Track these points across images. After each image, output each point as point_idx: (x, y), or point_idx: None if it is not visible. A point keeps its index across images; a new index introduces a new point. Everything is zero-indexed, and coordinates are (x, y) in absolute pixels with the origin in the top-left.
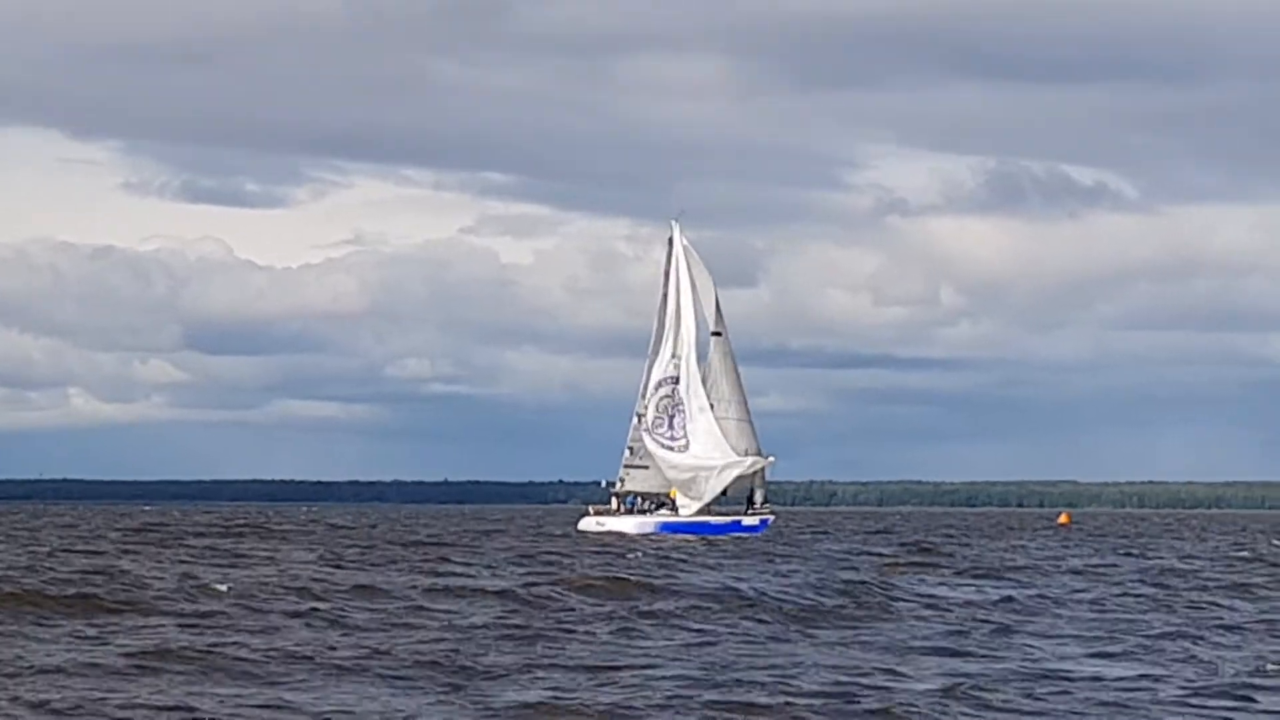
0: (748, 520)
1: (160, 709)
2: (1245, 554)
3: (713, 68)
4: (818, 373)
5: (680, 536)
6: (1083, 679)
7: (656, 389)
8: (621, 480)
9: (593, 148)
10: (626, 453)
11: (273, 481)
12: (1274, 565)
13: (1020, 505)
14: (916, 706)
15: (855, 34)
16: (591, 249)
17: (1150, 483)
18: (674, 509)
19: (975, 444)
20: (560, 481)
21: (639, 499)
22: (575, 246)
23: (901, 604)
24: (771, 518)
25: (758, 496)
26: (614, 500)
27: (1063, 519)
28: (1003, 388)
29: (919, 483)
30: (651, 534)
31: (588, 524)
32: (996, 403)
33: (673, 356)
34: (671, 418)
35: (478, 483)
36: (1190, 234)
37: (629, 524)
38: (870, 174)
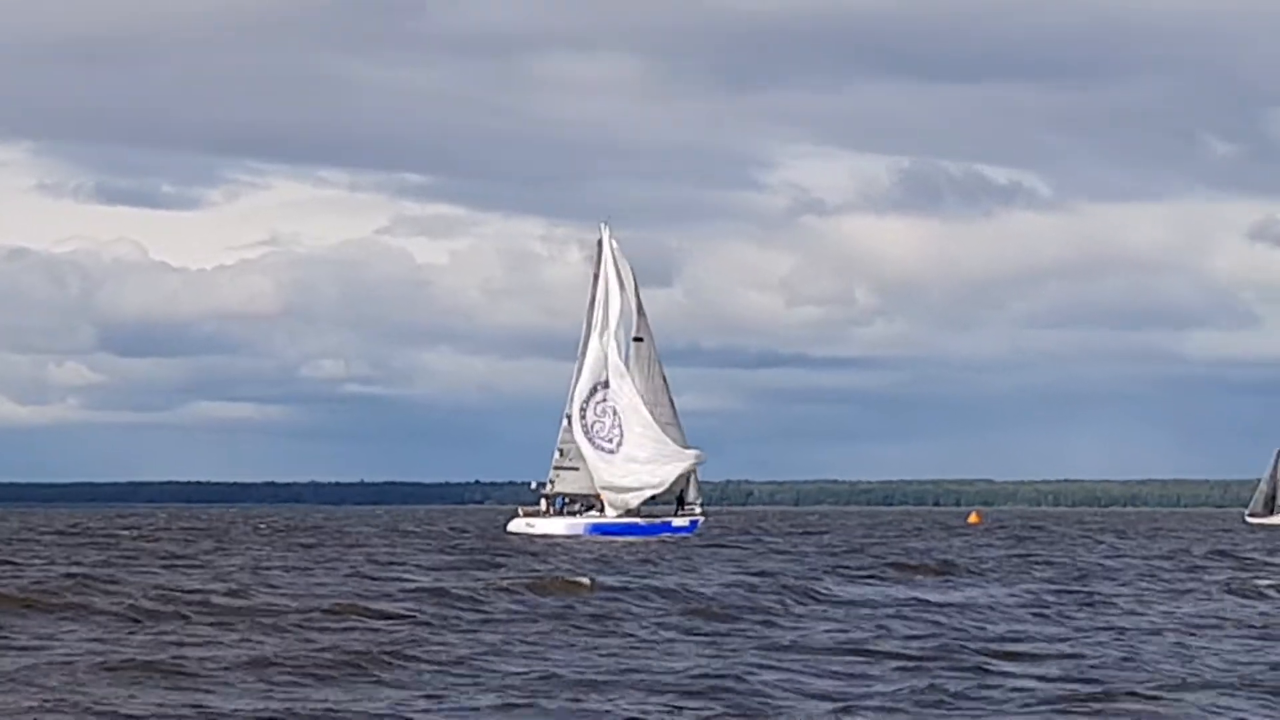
0: (677, 521)
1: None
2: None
3: (628, 67)
4: (733, 372)
5: (610, 538)
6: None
7: (591, 393)
8: (551, 482)
9: (508, 148)
10: (556, 454)
11: (189, 483)
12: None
13: (936, 504)
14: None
15: (771, 34)
16: (507, 249)
17: (1065, 481)
18: (604, 510)
19: (891, 443)
20: (477, 482)
21: (568, 500)
22: (491, 247)
23: (817, 605)
24: (701, 519)
25: (690, 494)
26: (543, 502)
27: (973, 518)
28: (918, 386)
29: (835, 482)
30: (581, 535)
31: (517, 525)
32: (912, 402)
33: (604, 359)
34: (607, 421)
35: (394, 483)
36: (1103, 232)
37: (559, 526)
38: (786, 174)
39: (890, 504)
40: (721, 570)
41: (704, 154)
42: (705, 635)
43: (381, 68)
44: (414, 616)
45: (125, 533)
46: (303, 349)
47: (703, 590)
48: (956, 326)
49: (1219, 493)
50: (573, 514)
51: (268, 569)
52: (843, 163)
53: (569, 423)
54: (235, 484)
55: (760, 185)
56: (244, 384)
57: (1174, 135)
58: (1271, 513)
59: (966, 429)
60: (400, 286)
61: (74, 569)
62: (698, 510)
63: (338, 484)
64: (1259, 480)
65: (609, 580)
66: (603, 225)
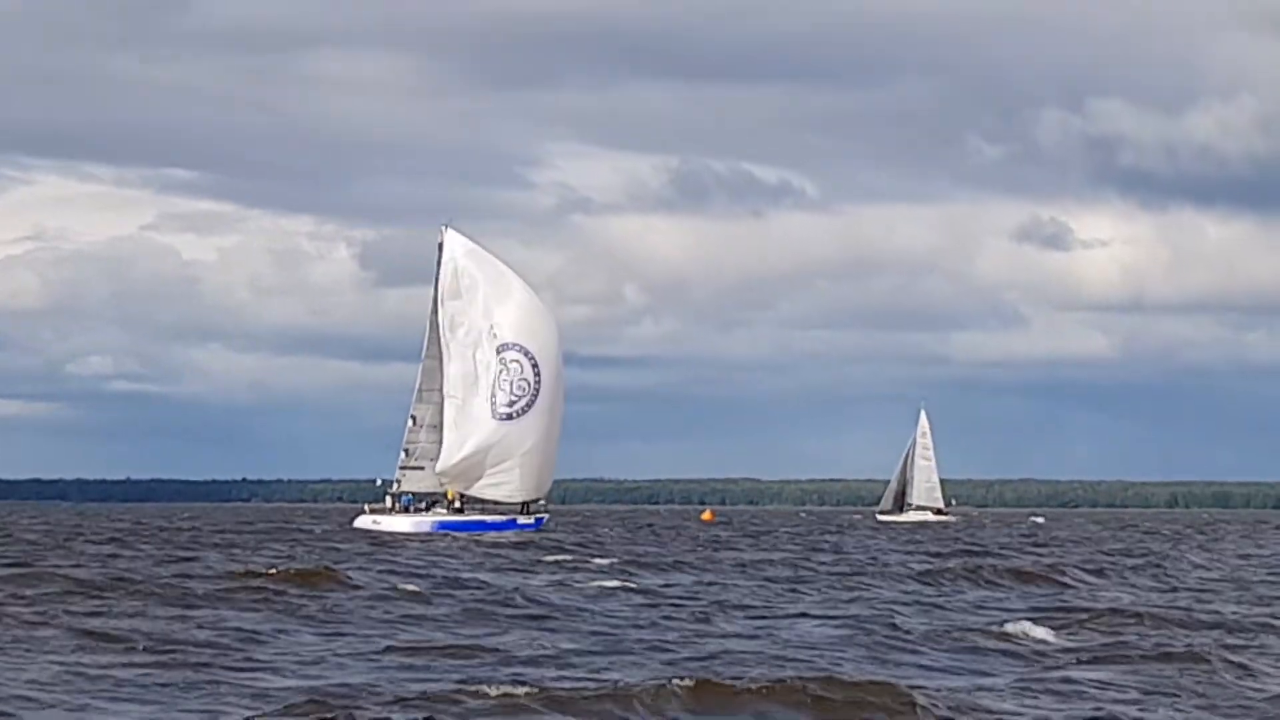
0: (523, 519)
1: None
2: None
3: (395, 65)
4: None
5: (456, 534)
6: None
7: (443, 396)
8: (398, 481)
9: (274, 145)
10: (403, 455)
11: None
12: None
13: (702, 503)
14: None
15: (536, 33)
16: (274, 247)
17: (832, 480)
18: (449, 508)
19: (659, 442)
20: (244, 480)
21: (414, 498)
22: (258, 244)
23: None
24: (546, 516)
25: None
26: (389, 499)
27: (706, 516)
28: (686, 387)
29: (601, 480)
30: (428, 533)
31: (363, 523)
32: (680, 401)
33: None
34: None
35: (160, 480)
36: (870, 233)
37: (405, 523)
38: (553, 173)
39: (655, 502)
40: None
41: (471, 152)
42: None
43: (148, 64)
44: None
45: None
46: (69, 345)
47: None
48: (725, 326)
49: (982, 492)
50: (419, 511)
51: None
52: (610, 162)
53: (413, 423)
54: None
55: (527, 184)
56: (9, 381)
57: (940, 137)
58: (902, 509)
59: (734, 428)
60: (168, 284)
61: None
62: (543, 507)
63: (103, 481)
64: (1019, 480)
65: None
66: (444, 227)
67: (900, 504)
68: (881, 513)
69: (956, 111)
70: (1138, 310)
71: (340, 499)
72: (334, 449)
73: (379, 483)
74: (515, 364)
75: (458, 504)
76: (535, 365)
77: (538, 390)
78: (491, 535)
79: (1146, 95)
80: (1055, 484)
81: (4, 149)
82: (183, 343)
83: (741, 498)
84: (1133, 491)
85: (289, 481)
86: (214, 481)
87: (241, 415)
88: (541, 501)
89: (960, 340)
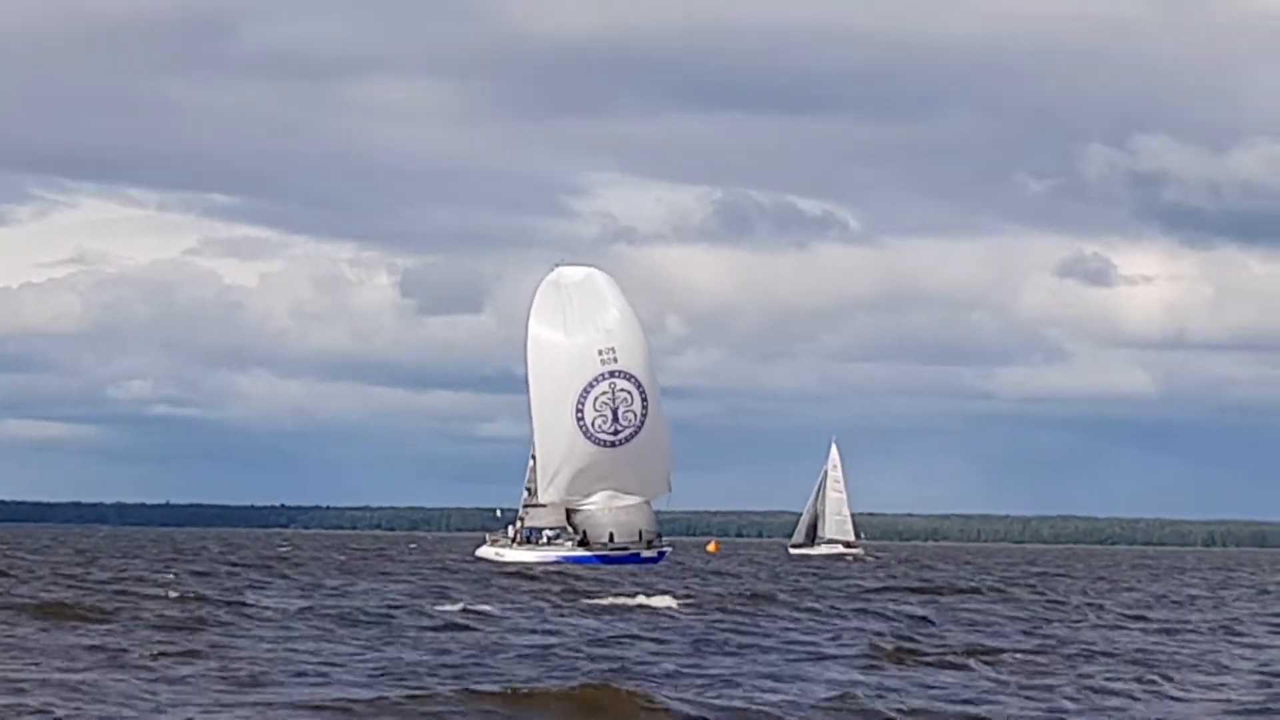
0: (646, 552)
1: None
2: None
3: (438, 92)
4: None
5: (584, 567)
6: None
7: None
8: (521, 519)
9: (317, 171)
10: (525, 493)
11: None
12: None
13: (740, 535)
14: None
15: (580, 62)
16: (316, 273)
17: (868, 514)
18: (577, 541)
19: (699, 473)
20: (282, 505)
21: (536, 531)
22: (300, 270)
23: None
24: (669, 549)
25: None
26: (510, 530)
27: (711, 547)
28: (728, 418)
29: None
30: (553, 563)
31: (485, 552)
32: (721, 432)
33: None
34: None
35: (199, 505)
36: (913, 266)
37: (529, 555)
38: (596, 202)
39: (694, 534)
40: None
41: (514, 180)
42: None
43: (192, 88)
44: None
45: None
46: (111, 369)
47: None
48: (767, 358)
49: (1019, 528)
50: (542, 543)
51: None
52: (654, 192)
53: (535, 461)
54: (39, 504)
55: (570, 213)
56: (51, 403)
57: (986, 171)
58: (813, 542)
59: (775, 460)
60: (209, 308)
61: None
62: (662, 541)
63: (142, 505)
64: (1057, 517)
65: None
66: (556, 265)
67: (812, 537)
68: (794, 545)
69: (1001, 146)
70: (1180, 347)
71: (378, 526)
72: (373, 476)
73: (498, 513)
74: (624, 393)
75: (580, 537)
76: (644, 396)
77: (643, 419)
78: (611, 569)
79: (1191, 132)
80: (1094, 521)
81: (47, 172)
82: (223, 367)
83: (779, 530)
84: (1170, 529)
85: (327, 508)
86: (252, 507)
87: (280, 440)
88: (661, 536)
89: (1002, 375)
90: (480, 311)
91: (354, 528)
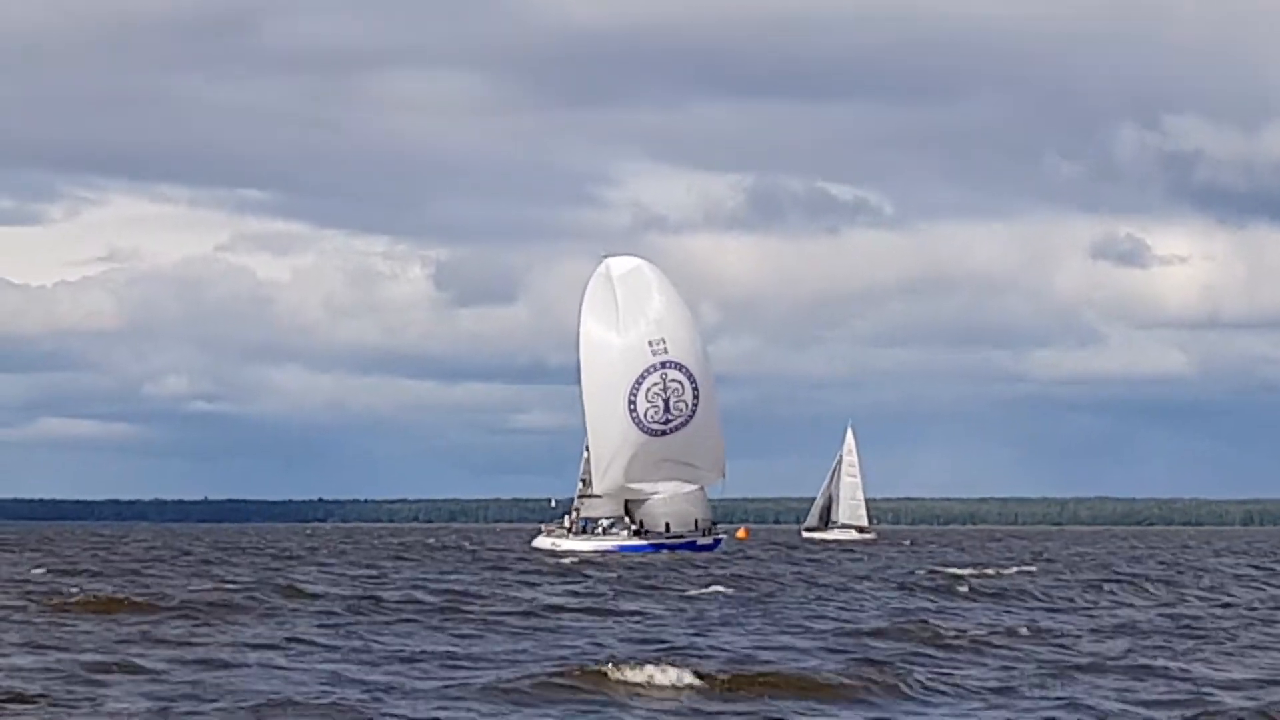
0: (702, 540)
1: None
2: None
3: (467, 85)
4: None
5: (640, 556)
6: None
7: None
8: (578, 510)
9: (348, 165)
10: (580, 485)
11: (32, 500)
12: None
13: (777, 521)
14: None
15: (609, 51)
16: (348, 267)
17: (905, 499)
18: (633, 530)
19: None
20: (320, 500)
21: (592, 521)
22: (332, 264)
23: None
24: (724, 537)
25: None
26: (566, 519)
27: (741, 533)
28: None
29: None
30: (610, 552)
31: (542, 543)
32: (754, 420)
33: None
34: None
35: (237, 500)
36: (946, 250)
37: (585, 545)
38: (627, 191)
39: (729, 521)
40: None
41: (544, 171)
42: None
43: (219, 84)
44: None
45: None
46: (146, 366)
47: None
48: (800, 344)
49: (1056, 510)
50: (599, 532)
51: None
52: (685, 180)
53: (589, 452)
54: (79, 501)
55: (602, 203)
56: (87, 401)
57: (1017, 154)
58: (827, 526)
59: (809, 446)
60: (242, 303)
61: None
62: (717, 529)
63: (181, 501)
64: (1094, 498)
65: None
66: (605, 258)
67: (826, 520)
68: (807, 529)
69: (1033, 128)
70: (1215, 327)
71: (416, 519)
72: (409, 468)
73: (553, 503)
74: (675, 383)
75: (636, 526)
76: (695, 386)
77: (695, 408)
78: (665, 556)
79: (1223, 111)
80: (1131, 502)
81: (79, 170)
82: (258, 363)
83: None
84: (1207, 510)
85: (365, 501)
86: (290, 501)
87: (316, 435)
88: (716, 524)
89: (1037, 357)
90: (514, 302)
91: (391, 520)
